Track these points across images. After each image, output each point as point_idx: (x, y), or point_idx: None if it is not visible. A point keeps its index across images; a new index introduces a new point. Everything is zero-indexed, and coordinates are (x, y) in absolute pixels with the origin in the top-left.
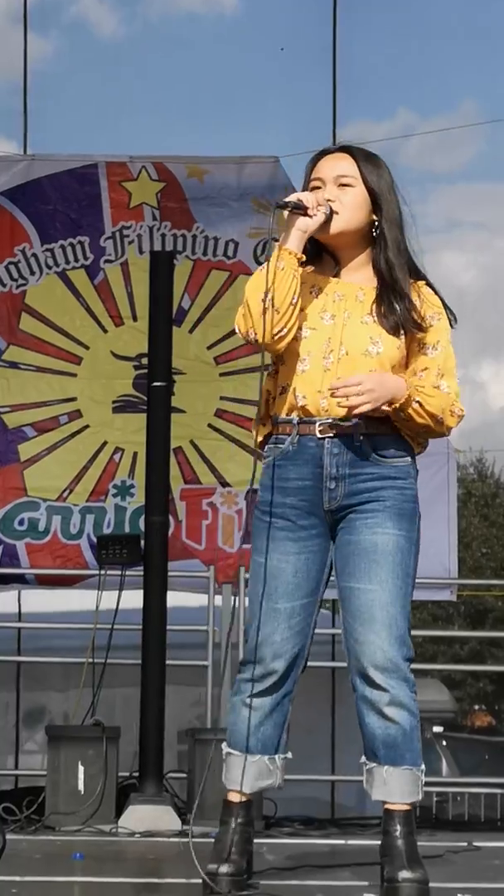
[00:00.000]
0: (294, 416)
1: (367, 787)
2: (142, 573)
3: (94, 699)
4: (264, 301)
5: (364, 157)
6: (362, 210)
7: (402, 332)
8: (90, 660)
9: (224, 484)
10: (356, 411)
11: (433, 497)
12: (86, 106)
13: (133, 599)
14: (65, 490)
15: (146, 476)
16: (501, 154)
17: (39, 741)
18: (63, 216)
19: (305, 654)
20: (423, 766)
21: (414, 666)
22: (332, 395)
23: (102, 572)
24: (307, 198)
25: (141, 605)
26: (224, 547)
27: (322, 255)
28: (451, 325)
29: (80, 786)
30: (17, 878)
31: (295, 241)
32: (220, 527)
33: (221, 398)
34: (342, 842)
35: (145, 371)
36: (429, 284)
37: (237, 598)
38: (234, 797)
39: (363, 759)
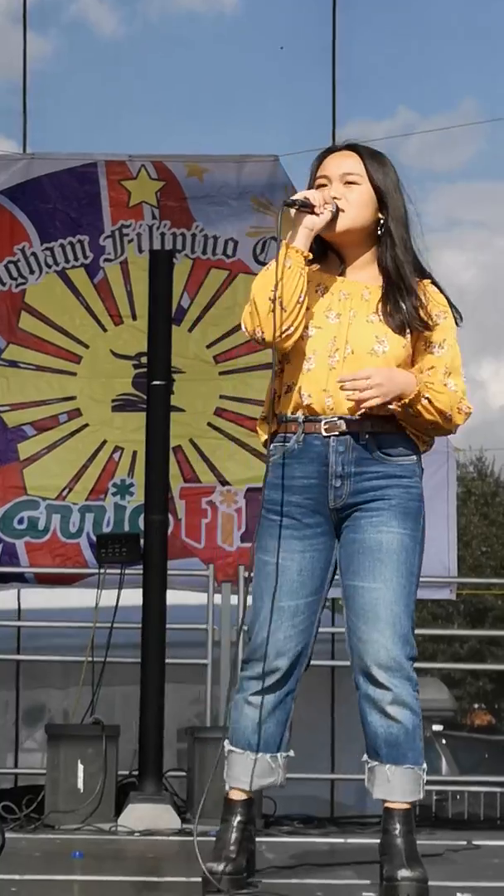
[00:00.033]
0: (299, 414)
1: (369, 785)
2: (141, 572)
3: (93, 698)
4: (273, 300)
5: (370, 155)
6: (368, 208)
7: (407, 330)
8: (90, 658)
9: (223, 482)
10: (364, 405)
11: (433, 495)
12: (85, 105)
13: (132, 598)
14: (64, 489)
15: (145, 475)
16: (501, 153)
17: (39, 739)
18: (63, 215)
19: (309, 652)
20: (424, 766)
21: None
22: (342, 388)
23: (102, 571)
24: (314, 196)
25: (140, 604)
26: (223, 545)
27: (327, 254)
28: (456, 323)
29: (80, 784)
30: (17, 877)
31: (302, 239)
32: (219, 525)
33: (221, 397)
34: (341, 840)
35: (145, 370)
36: (434, 283)
37: (238, 597)
38: (236, 795)
39: (365, 757)
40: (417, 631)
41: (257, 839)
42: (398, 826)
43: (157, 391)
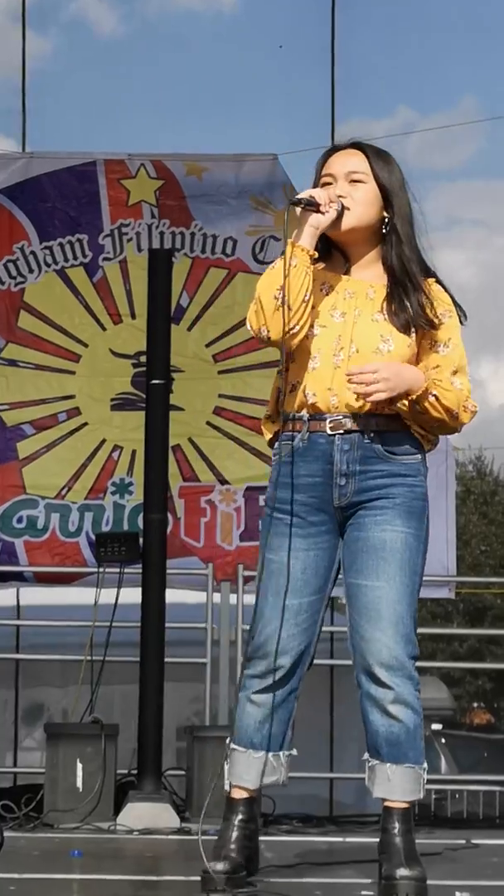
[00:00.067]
0: (304, 413)
1: (369, 783)
2: (140, 571)
3: (92, 696)
4: (282, 298)
5: (375, 154)
6: (373, 206)
7: (412, 329)
8: (89, 657)
9: (223, 481)
10: (370, 399)
11: (432, 494)
12: (84, 104)
13: (132, 596)
14: (63, 488)
15: (145, 474)
16: (501, 151)
17: (38, 738)
18: (62, 214)
19: (312, 651)
20: (425, 765)
21: None
22: (349, 381)
23: (101, 570)
24: (319, 194)
25: (139, 603)
26: (222, 544)
27: (332, 253)
28: (461, 322)
29: (79, 783)
30: (16, 876)
31: (307, 237)
32: (218, 524)
33: (220, 396)
34: (340, 839)
35: (144, 369)
36: (439, 281)
37: (237, 596)
38: (238, 793)
39: (366, 755)
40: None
41: None
42: (397, 825)
43: (157, 390)
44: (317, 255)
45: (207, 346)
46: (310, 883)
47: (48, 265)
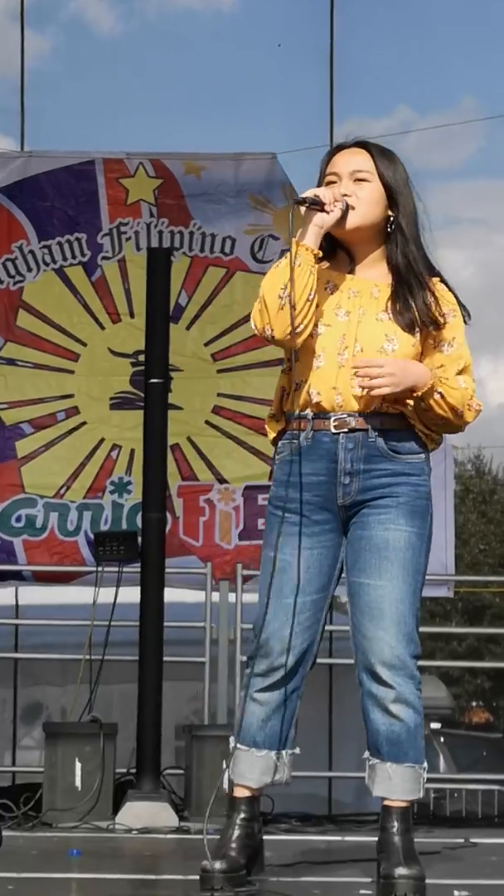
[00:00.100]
0: (308, 411)
1: (369, 782)
2: (139, 570)
3: (91, 696)
4: (286, 298)
5: (379, 152)
6: (378, 205)
7: (417, 329)
8: (87, 656)
9: (221, 480)
10: (374, 392)
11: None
12: (83, 103)
13: (130, 596)
14: (62, 487)
15: (143, 473)
16: (500, 151)
17: (37, 737)
18: (60, 213)
19: (315, 650)
20: (425, 764)
21: None
22: (355, 374)
23: (100, 569)
24: (324, 193)
25: (138, 602)
26: (221, 543)
27: (337, 252)
28: (465, 321)
29: (78, 782)
30: (14, 875)
31: (312, 237)
32: (217, 523)
33: (219, 395)
34: (339, 838)
35: (142, 368)
36: (443, 281)
37: (236, 595)
38: (240, 792)
39: (366, 754)
40: None
41: None
42: (396, 824)
43: (155, 389)
44: (321, 254)
45: (206, 345)
46: (308, 882)
47: (47, 264)
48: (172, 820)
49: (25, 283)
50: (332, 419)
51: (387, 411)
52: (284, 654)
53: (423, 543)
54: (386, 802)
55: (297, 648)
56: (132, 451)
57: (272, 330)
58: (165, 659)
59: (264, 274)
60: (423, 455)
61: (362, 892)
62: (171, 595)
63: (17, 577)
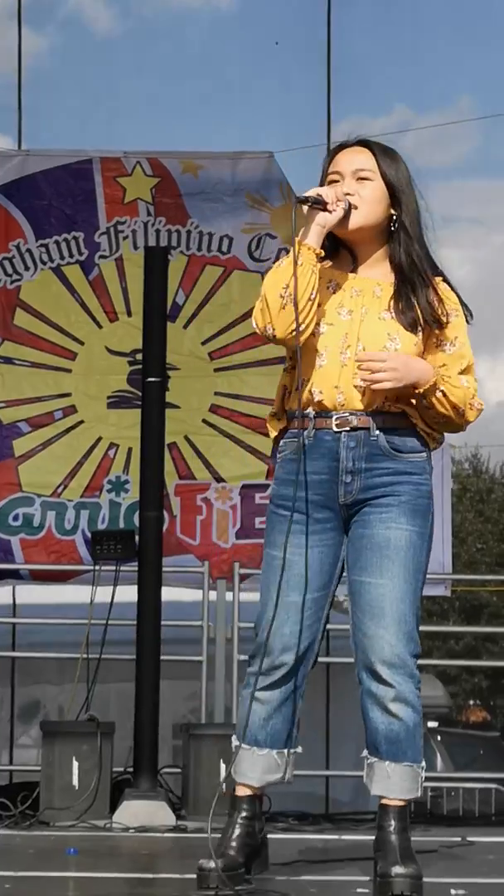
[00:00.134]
0: (310, 410)
1: (367, 781)
2: (136, 568)
3: (88, 694)
4: (288, 297)
5: (382, 151)
6: (381, 204)
7: (419, 328)
8: (85, 655)
9: (218, 479)
10: (375, 387)
11: None
12: (80, 101)
13: (127, 594)
14: (59, 485)
15: (140, 471)
16: (497, 150)
17: (34, 736)
18: (57, 211)
19: (316, 648)
20: (423, 763)
21: None
22: (359, 368)
23: (97, 568)
24: (327, 192)
25: (135, 601)
26: (218, 542)
27: (339, 251)
28: (467, 321)
29: (75, 781)
30: (11, 874)
31: (314, 236)
32: (214, 522)
33: (216, 394)
34: (336, 837)
35: (140, 367)
36: (446, 280)
37: (233, 594)
38: (242, 791)
39: (365, 752)
40: None
41: None
42: (393, 822)
43: (152, 388)
44: (323, 253)
45: (203, 343)
46: (305, 881)
47: (44, 263)
48: (169, 819)
49: (23, 281)
50: (334, 418)
51: (389, 410)
52: (285, 653)
53: (425, 542)
54: (383, 801)
55: (298, 647)
56: (129, 449)
57: (273, 329)
58: (163, 658)
59: (261, 273)
60: (424, 454)
61: (359, 890)
62: (168, 594)
63: (15, 575)
